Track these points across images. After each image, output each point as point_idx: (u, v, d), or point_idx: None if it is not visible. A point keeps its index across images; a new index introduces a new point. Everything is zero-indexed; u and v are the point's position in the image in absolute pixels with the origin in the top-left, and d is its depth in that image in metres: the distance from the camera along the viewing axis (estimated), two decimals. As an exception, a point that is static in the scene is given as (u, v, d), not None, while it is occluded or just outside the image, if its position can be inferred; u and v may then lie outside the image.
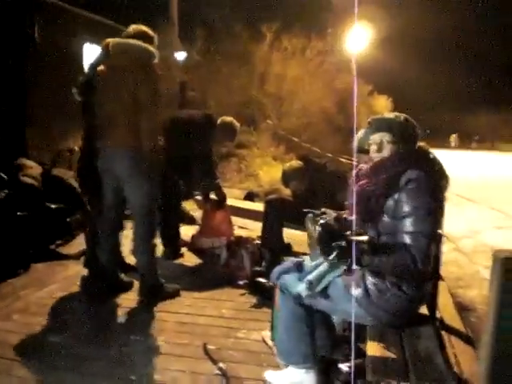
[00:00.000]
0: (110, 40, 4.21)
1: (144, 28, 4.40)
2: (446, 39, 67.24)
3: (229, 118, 5.76)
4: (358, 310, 2.61)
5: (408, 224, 2.54)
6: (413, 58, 61.36)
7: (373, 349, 2.45)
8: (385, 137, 2.81)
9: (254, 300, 4.47)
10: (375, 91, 37.50)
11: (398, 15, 57.36)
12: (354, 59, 23.90)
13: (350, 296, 2.66)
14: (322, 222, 2.49)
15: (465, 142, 50.33)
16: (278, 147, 15.39)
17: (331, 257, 2.39)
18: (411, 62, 59.47)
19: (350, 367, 2.86)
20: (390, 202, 2.62)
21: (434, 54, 67.32)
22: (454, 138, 49.42)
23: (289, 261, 3.27)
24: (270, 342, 3.46)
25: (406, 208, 2.56)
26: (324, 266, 2.76)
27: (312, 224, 2.65)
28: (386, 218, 2.64)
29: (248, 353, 3.51)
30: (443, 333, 3.84)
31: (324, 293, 2.76)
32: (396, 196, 2.60)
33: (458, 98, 63.30)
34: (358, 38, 22.40)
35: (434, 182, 2.66)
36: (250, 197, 9.71)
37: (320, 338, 3.01)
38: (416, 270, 2.49)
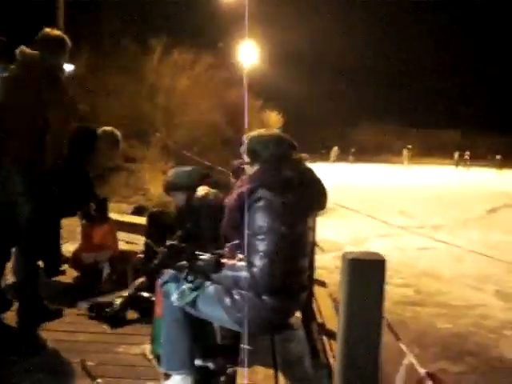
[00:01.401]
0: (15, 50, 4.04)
1: (55, 33, 4.22)
2: (332, 57, 69.62)
3: (109, 128, 5.66)
4: (227, 319, 2.71)
5: (256, 242, 2.65)
6: (302, 74, 63.18)
7: (244, 356, 2.48)
8: (247, 158, 2.94)
9: (135, 315, 4.40)
10: (266, 106, 38.27)
11: (286, 33, 59.02)
12: (244, 74, 24.37)
13: (220, 305, 2.73)
14: (167, 243, 2.60)
15: (345, 155, 51.34)
16: (168, 161, 15.32)
17: (182, 274, 2.50)
18: (300, 79, 61.20)
19: (226, 375, 2.89)
20: (247, 219, 2.70)
21: (322, 70, 69.40)
22: (334, 151, 49.55)
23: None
24: (150, 356, 3.43)
25: (255, 226, 2.67)
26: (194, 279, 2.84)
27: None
28: (247, 231, 2.71)
29: (127, 367, 3.46)
30: (324, 336, 3.96)
31: (195, 302, 2.81)
32: (249, 213, 2.69)
33: (343, 112, 65.58)
34: (249, 54, 22.78)
35: (291, 205, 2.73)
36: (138, 211, 9.57)
37: (199, 347, 3.05)
38: (257, 285, 2.62)
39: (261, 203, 2.66)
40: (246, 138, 2.94)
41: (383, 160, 51.21)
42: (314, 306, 4.63)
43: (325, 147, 51.44)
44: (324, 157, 47.82)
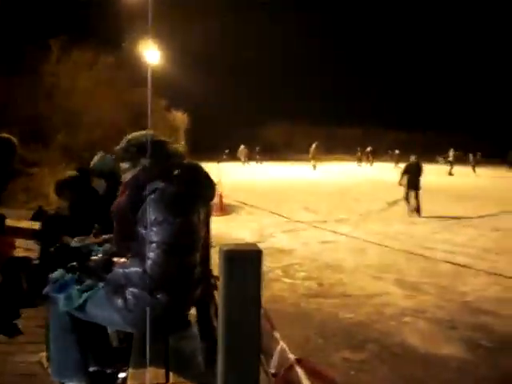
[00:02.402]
0: None
1: None
2: (238, 58, 69.86)
3: (4, 135, 5.43)
4: (119, 320, 2.67)
5: (150, 233, 2.61)
6: (208, 75, 63.17)
7: (136, 356, 2.46)
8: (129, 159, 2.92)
9: (31, 322, 4.27)
10: (172, 106, 38.00)
11: (192, 33, 58.71)
12: (149, 73, 23.98)
13: (111, 307, 2.69)
14: (57, 245, 2.58)
15: (254, 155, 50.72)
16: (68, 164, 14.86)
17: (73, 275, 2.47)
18: (207, 80, 61.20)
19: (124, 379, 2.85)
20: (140, 214, 2.68)
21: (228, 71, 69.47)
22: (241, 151, 47.79)
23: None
24: (45, 363, 3.33)
25: (149, 218, 2.63)
26: (86, 281, 2.78)
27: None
28: (140, 230, 2.69)
29: (25, 376, 3.42)
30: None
31: (83, 306, 2.76)
32: (143, 207, 2.67)
33: (250, 112, 65.89)
34: (153, 54, 22.53)
35: (183, 194, 2.73)
36: (37, 217, 9.20)
37: (93, 352, 2.98)
38: (150, 280, 2.58)
39: (155, 195, 2.64)
40: (130, 139, 2.92)
41: (290, 158, 52.04)
42: (217, 302, 4.63)
43: (232, 147, 51.09)
44: (232, 157, 47.81)
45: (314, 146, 41.87)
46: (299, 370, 1.72)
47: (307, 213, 14.85)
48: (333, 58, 75.14)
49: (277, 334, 1.92)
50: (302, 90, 71.96)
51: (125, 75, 22.68)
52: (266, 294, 7.05)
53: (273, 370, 1.87)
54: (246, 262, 1.53)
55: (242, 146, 47.74)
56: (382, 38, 78.71)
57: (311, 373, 1.73)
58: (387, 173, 35.28)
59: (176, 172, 2.77)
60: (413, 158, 16.08)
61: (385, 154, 52.84)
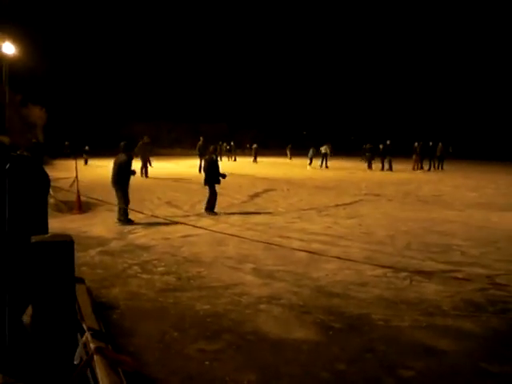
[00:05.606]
0: None
1: None
2: (101, 54, 68.13)
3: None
4: None
5: None
6: (72, 70, 61.31)
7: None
8: None
9: None
10: (29, 101, 36.45)
11: (49, 26, 56.55)
12: (4, 67, 22.82)
13: None
14: None
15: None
16: None
17: None
18: (70, 75, 59.44)
19: None
20: None
21: (93, 66, 67.40)
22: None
23: None
24: None
25: None
26: None
27: None
28: None
29: None
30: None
31: None
32: None
33: (113, 109, 64.63)
34: (8, 48, 21.62)
35: (16, 188, 2.63)
36: None
37: None
38: None
39: None
40: None
41: (157, 154, 51.73)
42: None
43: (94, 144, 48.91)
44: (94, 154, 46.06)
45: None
46: (97, 359, 1.70)
47: (170, 208, 14.79)
48: (198, 56, 75.48)
49: (84, 325, 1.87)
50: (165, 87, 71.39)
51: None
52: (123, 291, 6.97)
53: (76, 361, 1.83)
54: (55, 252, 1.48)
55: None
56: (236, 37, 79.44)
57: (110, 361, 1.71)
58: (248, 166, 36.48)
59: (7, 166, 2.64)
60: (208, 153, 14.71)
61: (245, 149, 54.16)
